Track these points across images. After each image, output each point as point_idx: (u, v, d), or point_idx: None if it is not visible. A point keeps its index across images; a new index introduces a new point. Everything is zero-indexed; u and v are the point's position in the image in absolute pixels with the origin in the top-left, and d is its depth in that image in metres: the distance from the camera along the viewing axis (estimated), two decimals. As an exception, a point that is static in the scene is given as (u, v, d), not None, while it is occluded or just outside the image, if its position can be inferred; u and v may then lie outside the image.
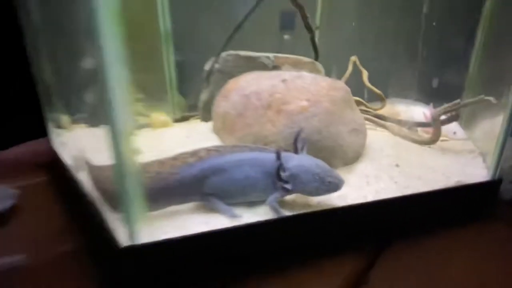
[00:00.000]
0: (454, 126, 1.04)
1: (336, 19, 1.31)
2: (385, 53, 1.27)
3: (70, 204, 0.80)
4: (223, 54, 1.05)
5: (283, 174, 0.59)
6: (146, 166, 0.58)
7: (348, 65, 1.19)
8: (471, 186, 0.77)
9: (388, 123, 1.02)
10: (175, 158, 0.60)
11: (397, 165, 0.81)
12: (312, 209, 0.64)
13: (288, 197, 0.66)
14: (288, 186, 0.59)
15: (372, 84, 1.18)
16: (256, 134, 0.74)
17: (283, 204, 0.64)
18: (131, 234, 0.49)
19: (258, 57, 1.03)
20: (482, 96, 0.84)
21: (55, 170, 0.96)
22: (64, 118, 1.10)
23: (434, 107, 0.98)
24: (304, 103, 0.73)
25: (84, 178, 0.71)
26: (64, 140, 0.98)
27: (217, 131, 0.88)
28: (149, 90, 1.38)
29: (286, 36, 1.27)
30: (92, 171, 0.64)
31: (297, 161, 0.61)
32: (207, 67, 1.08)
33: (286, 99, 0.74)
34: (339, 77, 1.19)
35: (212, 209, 0.61)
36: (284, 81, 0.78)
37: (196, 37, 1.17)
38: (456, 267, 0.63)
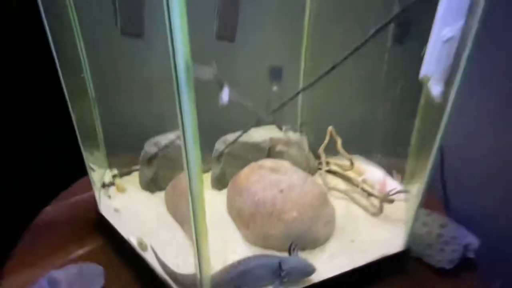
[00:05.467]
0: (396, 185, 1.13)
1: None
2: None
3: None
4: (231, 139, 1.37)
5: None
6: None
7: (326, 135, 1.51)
8: (381, 260, 0.85)
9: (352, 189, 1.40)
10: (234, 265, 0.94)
11: (352, 241, 1.13)
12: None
13: None
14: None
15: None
16: (264, 234, 1.12)
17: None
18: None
19: (259, 143, 1.37)
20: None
21: (109, 241, 1.03)
22: (117, 181, 1.23)
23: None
24: (295, 214, 1.10)
25: (154, 262, 0.84)
26: (117, 206, 1.12)
27: (233, 218, 1.23)
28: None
29: (274, 88, 1.49)
30: (175, 276, 0.83)
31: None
32: (217, 146, 1.40)
33: (284, 210, 1.11)
34: (319, 144, 1.52)
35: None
36: (281, 191, 1.14)
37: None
38: None
